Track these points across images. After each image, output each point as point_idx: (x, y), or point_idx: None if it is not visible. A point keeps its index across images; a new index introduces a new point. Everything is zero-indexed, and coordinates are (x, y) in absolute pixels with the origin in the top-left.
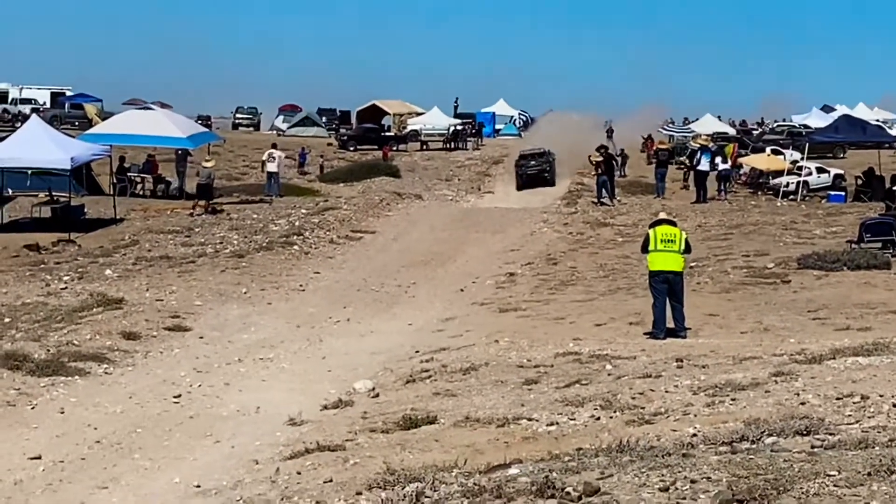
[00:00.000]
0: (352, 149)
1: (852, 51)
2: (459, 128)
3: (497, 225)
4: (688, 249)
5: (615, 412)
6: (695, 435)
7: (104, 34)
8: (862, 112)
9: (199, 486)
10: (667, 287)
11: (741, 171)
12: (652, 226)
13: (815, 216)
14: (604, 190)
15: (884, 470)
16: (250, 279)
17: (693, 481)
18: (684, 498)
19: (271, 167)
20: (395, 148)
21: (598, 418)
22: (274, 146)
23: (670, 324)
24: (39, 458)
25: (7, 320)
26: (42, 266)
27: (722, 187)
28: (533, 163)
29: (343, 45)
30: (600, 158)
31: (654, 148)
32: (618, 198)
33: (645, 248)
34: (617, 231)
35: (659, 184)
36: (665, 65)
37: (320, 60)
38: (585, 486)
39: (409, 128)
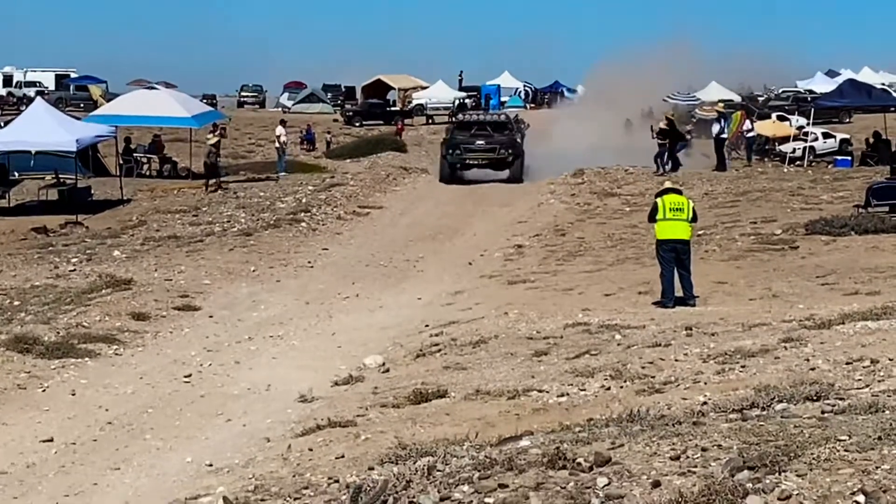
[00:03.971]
0: (357, 124)
1: (857, 14)
2: (465, 101)
3: (504, 198)
4: (694, 218)
5: (625, 382)
6: (705, 403)
7: (108, 15)
8: (867, 76)
9: (211, 465)
10: (675, 256)
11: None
12: (659, 195)
13: (821, 181)
14: (659, 159)
15: (894, 434)
16: (258, 257)
17: (704, 449)
18: (695, 466)
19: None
20: (410, 123)
21: (609, 388)
22: (282, 123)
23: (679, 292)
24: (51, 440)
25: (16, 303)
26: (50, 248)
27: (750, 153)
28: (480, 143)
29: (347, 20)
30: (665, 126)
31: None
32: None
33: (653, 218)
34: (624, 201)
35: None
36: (670, 30)
37: (324, 36)
38: (597, 456)
39: (415, 102)
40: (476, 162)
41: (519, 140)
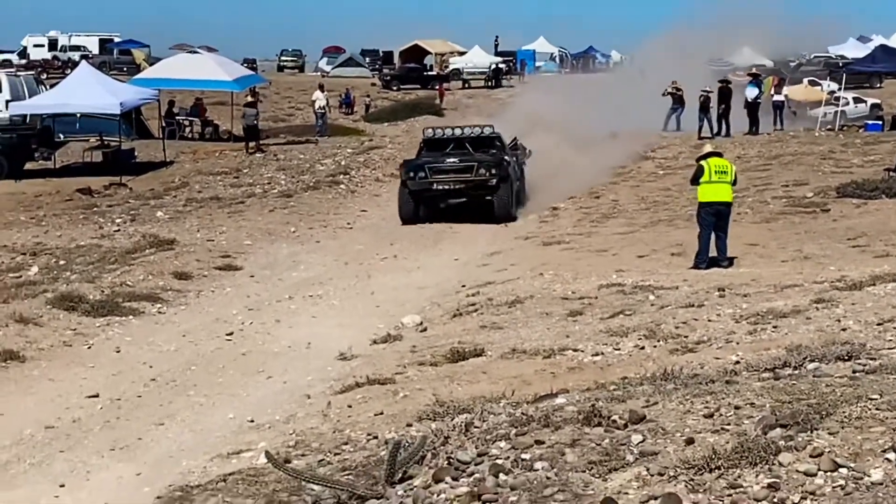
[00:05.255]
0: (395, 88)
1: None
2: (500, 66)
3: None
4: (735, 181)
5: (659, 341)
6: (738, 362)
7: None
8: None
9: (252, 421)
10: (716, 218)
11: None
12: (703, 158)
13: (852, 145)
14: (706, 122)
15: None
16: (298, 218)
17: (737, 407)
18: (728, 424)
19: (319, 105)
20: (447, 87)
21: (643, 348)
22: (321, 87)
23: (712, 253)
24: (97, 396)
25: (62, 262)
26: (95, 209)
27: (777, 118)
28: (453, 161)
29: None
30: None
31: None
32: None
33: (696, 180)
34: (658, 164)
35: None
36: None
37: (362, 1)
38: (631, 413)
39: (451, 67)
40: (446, 187)
41: (508, 162)
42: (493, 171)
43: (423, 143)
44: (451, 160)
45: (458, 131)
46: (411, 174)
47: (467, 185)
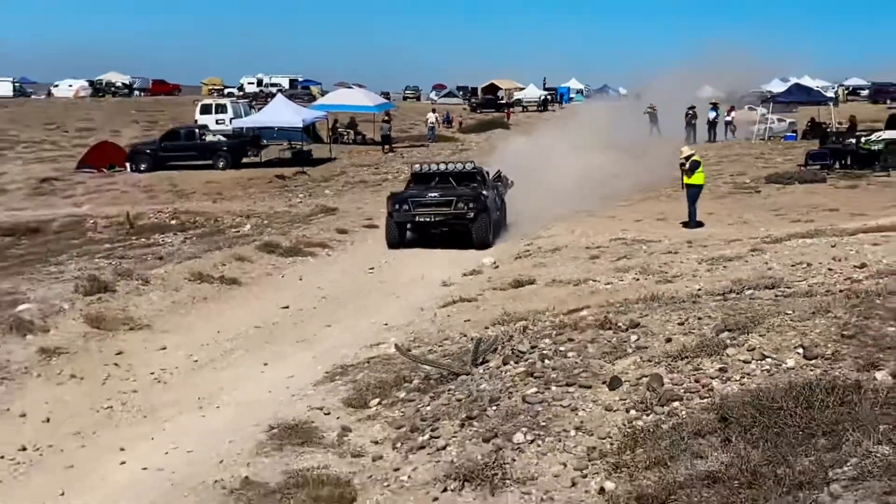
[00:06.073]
0: (478, 112)
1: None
2: (547, 97)
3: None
4: None
5: (649, 276)
6: (700, 289)
7: (322, 40)
8: (807, 81)
9: (386, 325)
10: (698, 195)
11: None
12: (693, 156)
13: (776, 150)
14: (692, 132)
15: (822, 310)
16: None
17: (699, 318)
18: (694, 329)
19: (430, 122)
20: (513, 111)
21: (638, 279)
22: (433, 111)
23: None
24: (287, 307)
25: (265, 222)
26: (285, 188)
27: (728, 131)
28: (434, 195)
29: (473, 44)
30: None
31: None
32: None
33: (694, 171)
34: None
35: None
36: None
37: (458, 54)
38: (630, 321)
39: (515, 97)
40: (428, 219)
41: (486, 196)
42: (471, 206)
43: (412, 176)
44: (433, 194)
45: (442, 166)
46: (396, 206)
47: (447, 217)
